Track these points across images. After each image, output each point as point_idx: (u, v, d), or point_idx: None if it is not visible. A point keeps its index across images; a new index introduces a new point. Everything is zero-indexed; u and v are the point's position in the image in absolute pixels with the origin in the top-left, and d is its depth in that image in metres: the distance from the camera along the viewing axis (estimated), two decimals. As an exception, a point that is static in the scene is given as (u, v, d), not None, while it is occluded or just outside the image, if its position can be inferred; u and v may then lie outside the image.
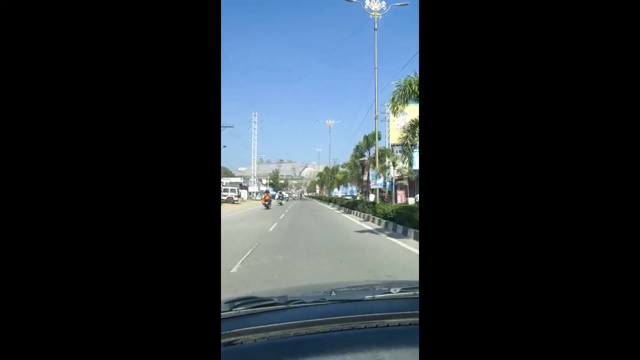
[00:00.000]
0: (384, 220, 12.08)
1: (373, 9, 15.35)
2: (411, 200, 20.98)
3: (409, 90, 9.71)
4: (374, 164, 18.32)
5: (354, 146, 25.99)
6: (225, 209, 21.63)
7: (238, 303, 1.04)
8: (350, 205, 21.12)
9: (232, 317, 0.98)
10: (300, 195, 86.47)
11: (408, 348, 0.75)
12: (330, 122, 41.44)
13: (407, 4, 15.47)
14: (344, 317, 0.93)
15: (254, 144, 64.24)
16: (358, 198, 27.63)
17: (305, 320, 0.91)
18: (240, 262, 5.90)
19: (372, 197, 24.64)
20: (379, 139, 18.77)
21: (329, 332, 0.86)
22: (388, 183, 21.61)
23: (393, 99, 10.30)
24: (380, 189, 21.98)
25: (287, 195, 50.13)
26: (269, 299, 1.09)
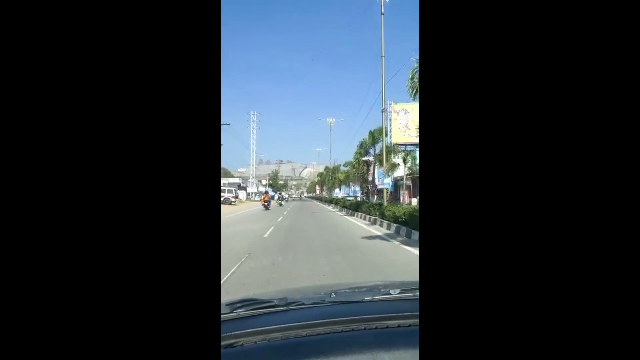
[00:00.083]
0: (394, 225, 10.68)
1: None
2: (415, 201, 19.65)
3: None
4: (380, 162, 16.88)
5: (356, 144, 24.45)
6: (221, 211, 20.20)
7: (238, 305, 1.04)
8: (353, 207, 19.61)
9: (232, 319, 0.98)
10: (300, 196, 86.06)
11: (408, 349, 0.74)
12: (330, 120, 40.16)
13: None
14: (343, 318, 0.93)
15: (253, 144, 62.83)
16: (359, 199, 26.24)
17: (305, 322, 0.91)
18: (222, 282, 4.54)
19: (374, 198, 23.35)
20: (385, 135, 17.34)
21: (329, 333, 0.85)
22: (390, 183, 20.14)
23: (412, 78, 9.10)
24: (381, 190, 20.69)
25: (286, 196, 50.19)
26: (269, 301, 1.09)
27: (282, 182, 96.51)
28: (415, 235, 8.63)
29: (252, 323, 0.93)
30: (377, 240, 8.91)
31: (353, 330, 0.87)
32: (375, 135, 19.10)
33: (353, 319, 0.92)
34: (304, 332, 0.86)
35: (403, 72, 14.12)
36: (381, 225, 12.30)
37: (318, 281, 4.67)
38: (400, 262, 6.15)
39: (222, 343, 0.79)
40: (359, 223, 14.31)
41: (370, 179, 23.62)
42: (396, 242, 8.45)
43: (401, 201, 19.74)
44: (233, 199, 33.53)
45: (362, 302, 1.16)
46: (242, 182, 54.79)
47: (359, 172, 24.52)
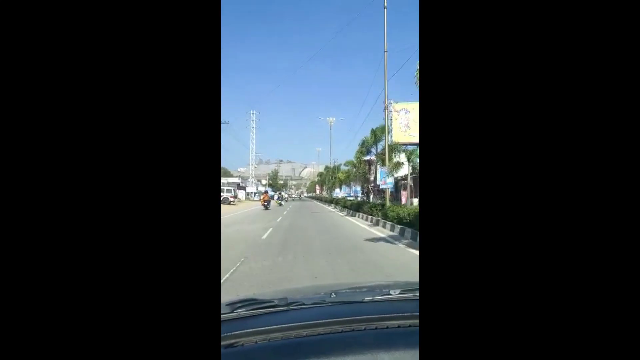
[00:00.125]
0: (398, 226, 10.23)
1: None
2: (416, 201, 19.16)
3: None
4: (382, 161, 16.40)
5: (356, 144, 23.95)
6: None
7: (239, 305, 1.04)
8: (354, 207, 19.14)
9: (233, 319, 0.97)
10: (300, 195, 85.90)
11: (408, 350, 0.74)
12: (331, 119, 39.69)
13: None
14: (344, 319, 0.92)
15: (252, 143, 62.29)
16: (360, 199, 25.76)
17: (305, 322, 0.90)
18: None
19: (372, 198, 22.86)
20: (388, 133, 16.86)
21: (330, 333, 0.85)
22: (392, 183, 19.64)
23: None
24: (382, 190, 20.22)
25: (286, 196, 50.22)
26: (270, 301, 1.08)
27: (281, 182, 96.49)
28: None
29: (253, 323, 0.92)
30: (381, 243, 8.45)
31: (353, 330, 0.86)
32: (378, 134, 18.45)
33: (353, 319, 0.92)
34: (304, 332, 0.86)
35: (405, 68, 13.68)
36: (384, 226, 11.84)
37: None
38: (408, 266, 5.70)
39: (223, 343, 0.79)
40: (360, 224, 13.83)
41: (372, 178, 23.07)
42: (401, 245, 7.99)
43: (403, 201, 19.23)
44: (232, 199, 33.24)
45: (362, 302, 1.15)
46: (242, 182, 54.53)
47: (361, 171, 23.89)
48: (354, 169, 25.29)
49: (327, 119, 39.63)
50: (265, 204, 24.06)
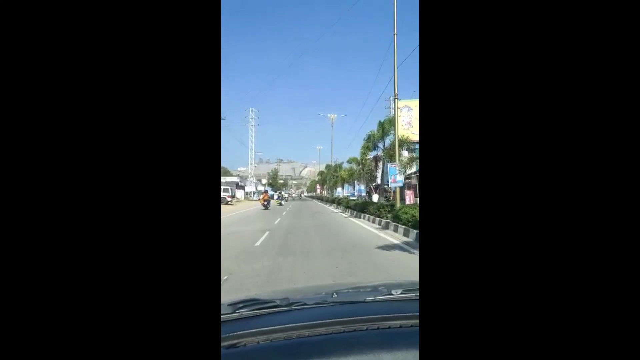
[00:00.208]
0: (414, 231, 8.89)
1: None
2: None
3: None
4: (390, 157, 15.02)
5: (358, 142, 22.62)
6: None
7: (240, 305, 1.04)
8: (359, 208, 17.67)
9: (235, 319, 0.98)
10: (300, 195, 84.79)
11: (409, 350, 0.74)
12: (332, 116, 38.40)
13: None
14: (346, 319, 0.93)
15: (251, 141, 60.95)
16: (364, 199, 24.42)
17: (307, 322, 0.91)
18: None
19: (374, 198, 21.55)
20: (392, 126, 15.50)
21: (331, 334, 0.85)
22: (402, 181, 18.29)
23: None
24: (385, 189, 18.88)
25: (286, 196, 49.31)
26: (271, 301, 1.08)
27: (281, 181, 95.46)
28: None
29: (255, 323, 0.92)
30: (397, 252, 7.12)
31: (355, 330, 0.86)
32: (386, 127, 16.97)
33: (355, 319, 0.92)
34: (306, 332, 0.86)
35: (407, 65, 12.34)
36: (395, 230, 10.48)
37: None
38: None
39: (225, 343, 0.80)
40: (367, 227, 12.47)
41: (378, 176, 21.68)
42: (422, 255, 6.65)
43: (407, 201, 17.87)
44: (229, 199, 32.09)
45: (364, 302, 1.16)
46: (241, 181, 53.35)
47: (366, 168, 22.45)
48: (359, 167, 23.88)
49: (329, 115, 38.35)
50: (265, 203, 24.14)
